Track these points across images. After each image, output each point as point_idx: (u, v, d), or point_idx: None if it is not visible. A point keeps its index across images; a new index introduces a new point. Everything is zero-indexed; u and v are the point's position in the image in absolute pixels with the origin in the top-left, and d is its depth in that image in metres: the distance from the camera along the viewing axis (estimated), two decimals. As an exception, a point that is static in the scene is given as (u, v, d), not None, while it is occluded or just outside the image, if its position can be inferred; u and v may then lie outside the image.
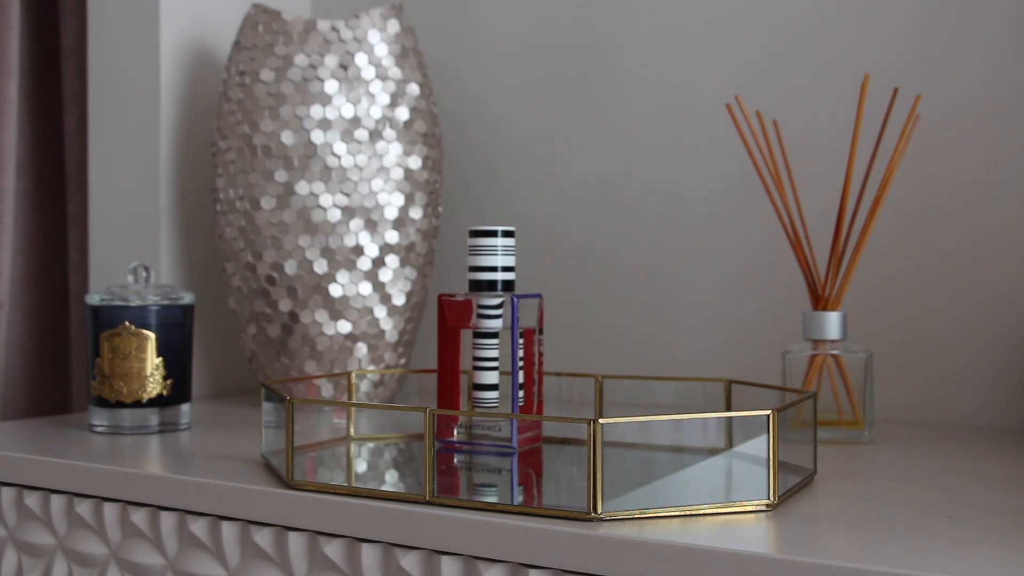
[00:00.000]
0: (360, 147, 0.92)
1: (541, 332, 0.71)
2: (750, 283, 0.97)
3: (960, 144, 0.88)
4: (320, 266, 0.92)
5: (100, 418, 0.83)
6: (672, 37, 1.01)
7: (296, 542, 0.60)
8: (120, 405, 0.83)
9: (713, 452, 0.71)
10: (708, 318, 0.99)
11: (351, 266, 0.92)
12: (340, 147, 0.91)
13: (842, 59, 0.92)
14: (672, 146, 1.01)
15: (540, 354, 0.71)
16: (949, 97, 0.88)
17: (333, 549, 0.59)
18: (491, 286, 0.70)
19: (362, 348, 0.94)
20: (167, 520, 0.66)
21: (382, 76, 0.93)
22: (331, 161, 0.91)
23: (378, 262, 0.93)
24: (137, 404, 0.83)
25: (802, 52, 0.95)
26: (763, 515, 0.54)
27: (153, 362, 0.83)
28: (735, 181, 0.97)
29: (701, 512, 0.54)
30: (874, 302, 0.90)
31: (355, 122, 0.92)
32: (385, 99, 0.93)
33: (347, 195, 0.91)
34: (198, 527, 0.65)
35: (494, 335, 0.71)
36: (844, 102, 0.87)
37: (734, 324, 0.98)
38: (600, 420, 0.53)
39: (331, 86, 0.91)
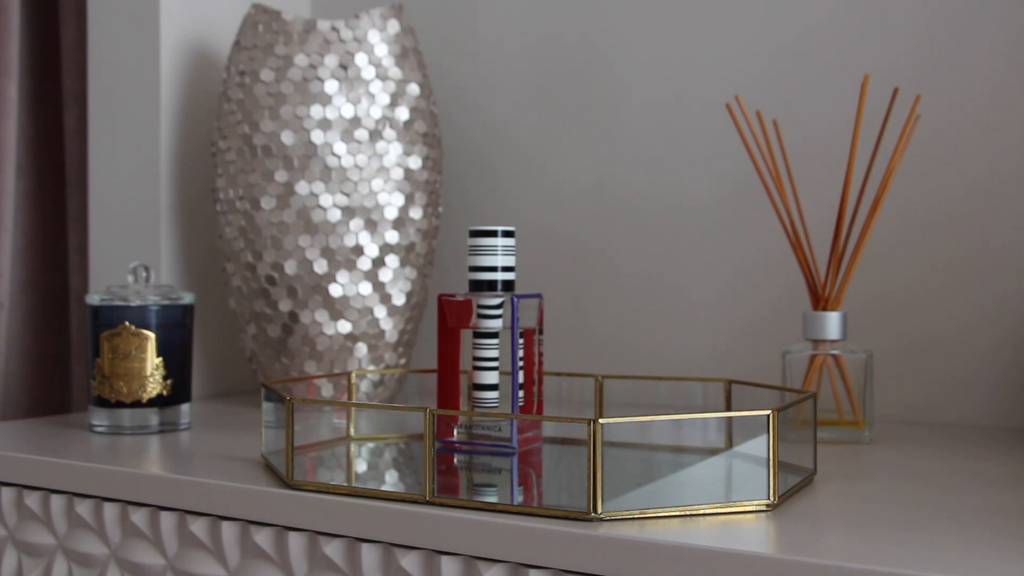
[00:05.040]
0: (360, 147, 0.92)
1: (541, 332, 0.71)
2: (750, 283, 0.97)
3: (963, 147, 0.88)
4: (320, 266, 0.92)
5: (100, 418, 0.83)
6: (672, 38, 1.01)
7: (296, 542, 0.60)
8: (120, 405, 0.83)
9: (713, 452, 0.71)
10: (708, 318, 0.99)
11: (351, 266, 0.92)
12: (340, 147, 0.91)
13: (842, 60, 0.92)
14: (672, 146, 1.01)
15: (540, 354, 0.71)
16: (952, 99, 0.88)
17: (333, 549, 0.59)
18: (491, 286, 0.70)
19: (362, 348, 0.94)
20: (167, 520, 0.66)
21: (382, 76, 0.93)
22: (331, 161, 0.91)
23: (378, 262, 0.93)
24: (137, 404, 0.83)
25: (802, 53, 0.95)
26: (763, 515, 0.54)
27: (153, 362, 0.83)
28: (734, 181, 0.97)
29: (701, 512, 0.54)
30: (875, 303, 0.90)
31: (355, 122, 0.92)
32: (385, 99, 0.93)
33: (347, 195, 0.91)
34: (198, 527, 0.65)
35: (494, 335, 0.71)
36: (844, 102, 0.87)
37: (734, 324, 0.98)
38: (600, 420, 0.53)
39: (331, 86, 0.91)
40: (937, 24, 0.89)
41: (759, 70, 0.96)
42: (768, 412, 0.55)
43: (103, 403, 0.83)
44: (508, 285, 0.70)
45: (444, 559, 0.55)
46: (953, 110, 0.88)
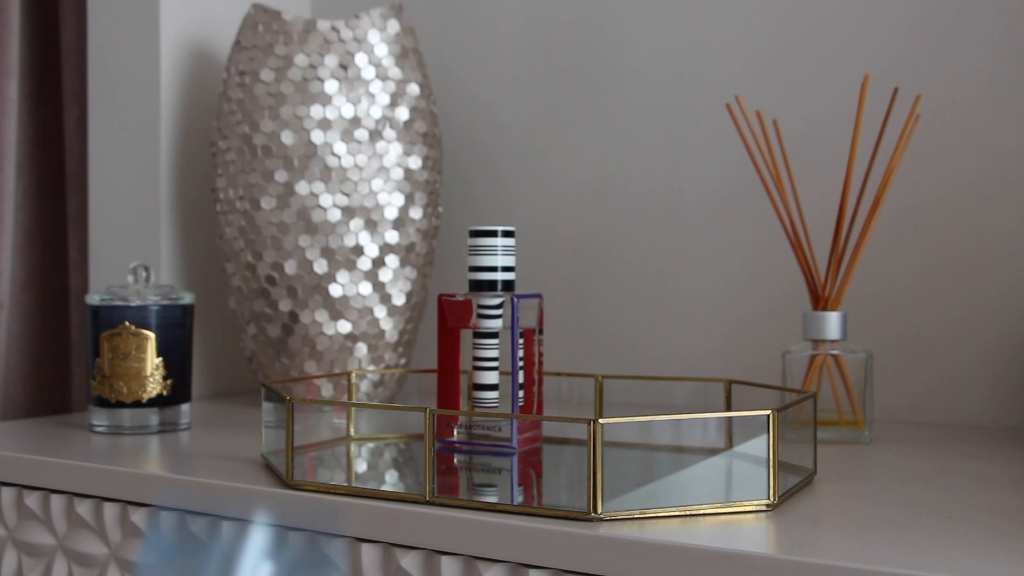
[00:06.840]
0: (360, 147, 0.92)
1: (541, 332, 0.71)
2: (750, 283, 0.97)
3: (961, 145, 0.88)
4: (320, 266, 0.92)
5: (100, 418, 0.83)
6: (672, 37, 1.01)
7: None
8: (120, 405, 0.83)
9: (713, 452, 0.71)
10: (708, 318, 0.99)
11: (351, 266, 0.92)
12: (340, 147, 0.91)
13: (842, 59, 0.92)
14: (672, 146, 1.01)
15: (540, 354, 0.71)
16: (950, 98, 0.88)
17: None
18: (491, 286, 0.70)
19: (362, 348, 0.94)
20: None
21: (382, 76, 0.93)
22: (331, 161, 0.91)
23: (378, 262, 0.93)
24: (137, 404, 0.83)
25: (802, 52, 0.95)
26: (763, 515, 0.54)
27: (153, 362, 0.83)
28: (735, 181, 0.97)
29: (701, 512, 0.54)
30: (875, 302, 0.90)
31: (355, 122, 0.92)
32: (385, 99, 0.93)
33: (347, 195, 0.91)
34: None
35: (494, 335, 0.71)
36: (844, 102, 0.87)
37: (734, 324, 0.98)
38: (600, 420, 0.53)
39: (331, 86, 0.91)
40: (937, 24, 0.89)
41: (759, 69, 0.96)
42: (768, 412, 0.55)
43: (103, 403, 0.83)
44: (508, 285, 0.71)
45: (444, 559, 0.55)
46: (953, 110, 0.88)
